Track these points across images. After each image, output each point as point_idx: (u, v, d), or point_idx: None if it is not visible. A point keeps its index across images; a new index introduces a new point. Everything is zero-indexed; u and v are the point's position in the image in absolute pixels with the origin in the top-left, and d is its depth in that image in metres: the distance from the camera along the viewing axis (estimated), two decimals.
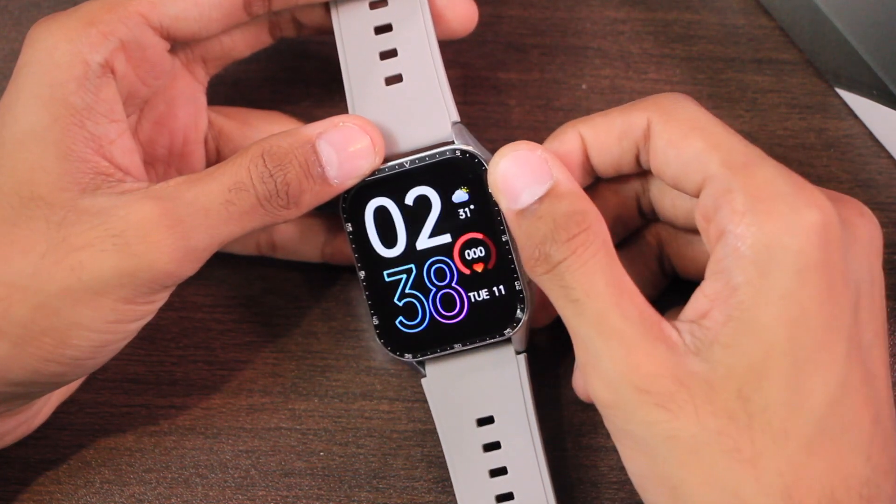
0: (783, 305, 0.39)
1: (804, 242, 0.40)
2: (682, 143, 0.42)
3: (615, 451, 0.50)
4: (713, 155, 0.41)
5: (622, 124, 0.44)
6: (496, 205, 0.46)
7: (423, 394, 0.51)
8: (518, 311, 0.47)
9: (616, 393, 0.41)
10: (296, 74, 0.55)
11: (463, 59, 0.55)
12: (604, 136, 0.45)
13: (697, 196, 0.42)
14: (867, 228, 0.42)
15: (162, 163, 0.50)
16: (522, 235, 0.43)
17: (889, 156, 0.53)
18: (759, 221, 0.40)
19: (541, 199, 0.43)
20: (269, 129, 0.50)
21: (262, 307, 0.53)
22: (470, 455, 0.48)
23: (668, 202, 0.46)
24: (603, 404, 0.42)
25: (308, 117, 0.51)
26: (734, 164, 0.41)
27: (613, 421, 0.42)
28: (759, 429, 0.39)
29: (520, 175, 0.43)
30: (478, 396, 0.48)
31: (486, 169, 0.46)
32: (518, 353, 0.48)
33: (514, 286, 0.46)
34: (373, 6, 0.48)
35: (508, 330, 0.47)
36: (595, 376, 0.42)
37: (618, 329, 0.41)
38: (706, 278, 0.41)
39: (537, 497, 0.48)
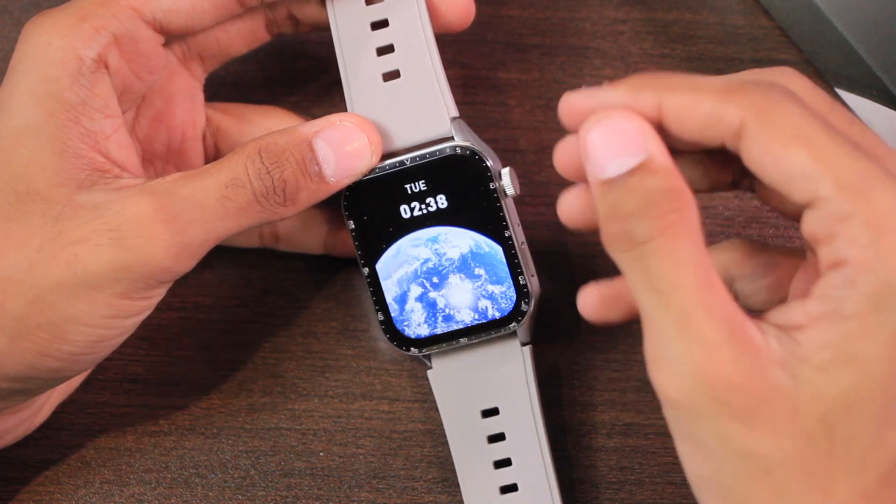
0: (892, 343, 0.37)
1: None
2: (783, 155, 0.38)
3: (615, 451, 0.50)
4: (824, 173, 0.38)
5: (710, 113, 0.39)
6: (499, 200, 0.46)
7: (424, 394, 0.51)
8: (523, 304, 0.47)
9: (688, 396, 0.38)
10: (295, 75, 0.55)
11: (463, 59, 0.55)
12: (686, 117, 0.40)
13: (801, 205, 0.39)
14: None
15: (160, 160, 0.50)
16: (606, 207, 0.39)
17: None
18: (883, 257, 0.37)
19: (631, 172, 0.38)
20: (267, 124, 0.50)
21: (262, 307, 0.53)
22: (474, 446, 0.48)
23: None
24: (669, 401, 0.39)
25: (307, 116, 0.51)
26: (850, 187, 0.37)
27: (678, 421, 0.39)
28: (839, 457, 0.37)
29: (611, 142, 0.39)
30: (483, 388, 0.48)
31: (486, 165, 0.46)
32: (523, 344, 0.48)
33: (519, 280, 0.47)
34: (368, 2, 0.48)
35: (514, 324, 0.47)
36: (667, 371, 0.38)
37: (701, 330, 0.38)
38: (811, 297, 0.38)
39: (541, 488, 0.48)
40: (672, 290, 0.38)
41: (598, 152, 0.39)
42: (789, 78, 0.41)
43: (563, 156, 0.42)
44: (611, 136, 0.39)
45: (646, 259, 0.38)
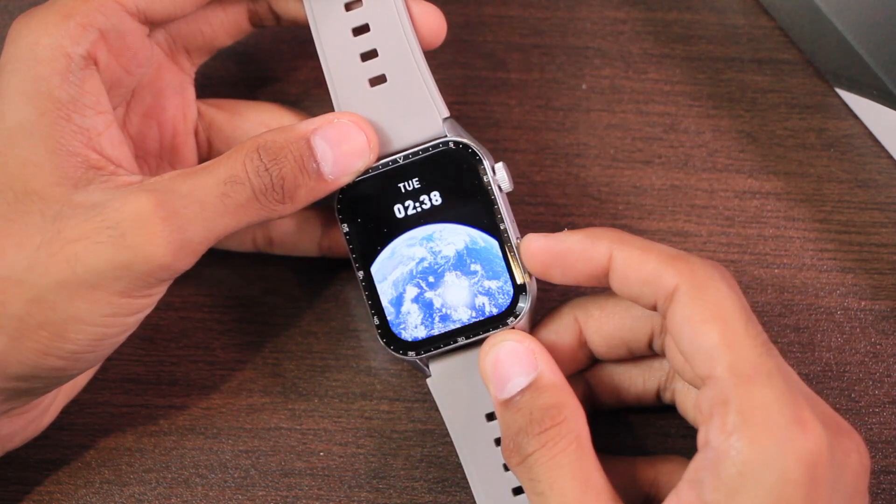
0: None
1: (780, 479, 0.39)
2: (699, 329, 0.41)
3: (613, 452, 0.50)
4: (724, 355, 0.41)
5: (652, 271, 0.43)
6: (492, 193, 0.46)
7: (423, 394, 0.51)
8: (520, 300, 0.47)
9: None
10: (294, 75, 0.55)
11: (463, 59, 0.55)
12: (632, 270, 0.43)
13: (700, 379, 0.41)
14: (858, 461, 0.41)
15: (154, 156, 0.50)
16: (503, 425, 0.44)
17: (889, 156, 0.53)
18: (743, 447, 0.39)
19: (523, 391, 0.44)
20: (260, 119, 0.50)
21: (262, 307, 0.53)
22: (483, 450, 0.48)
23: (690, 406, 0.46)
24: None
25: (301, 112, 0.51)
26: (740, 374, 0.40)
27: None
28: None
29: (508, 366, 0.45)
30: (485, 391, 0.48)
31: (479, 159, 0.46)
32: None
33: (515, 275, 0.47)
34: (348, 7, 0.48)
35: (512, 319, 0.47)
36: None
37: None
38: (682, 482, 0.41)
39: None
40: (549, 492, 0.42)
41: (497, 375, 0.45)
42: (721, 271, 0.43)
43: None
44: (507, 359, 0.45)
45: (530, 468, 0.43)
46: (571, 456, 0.42)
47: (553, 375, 0.44)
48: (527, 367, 0.44)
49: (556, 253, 0.45)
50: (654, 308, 0.43)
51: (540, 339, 0.47)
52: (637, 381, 0.48)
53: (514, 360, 0.45)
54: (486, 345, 0.45)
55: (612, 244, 0.44)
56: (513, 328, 0.47)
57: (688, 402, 0.47)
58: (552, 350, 0.47)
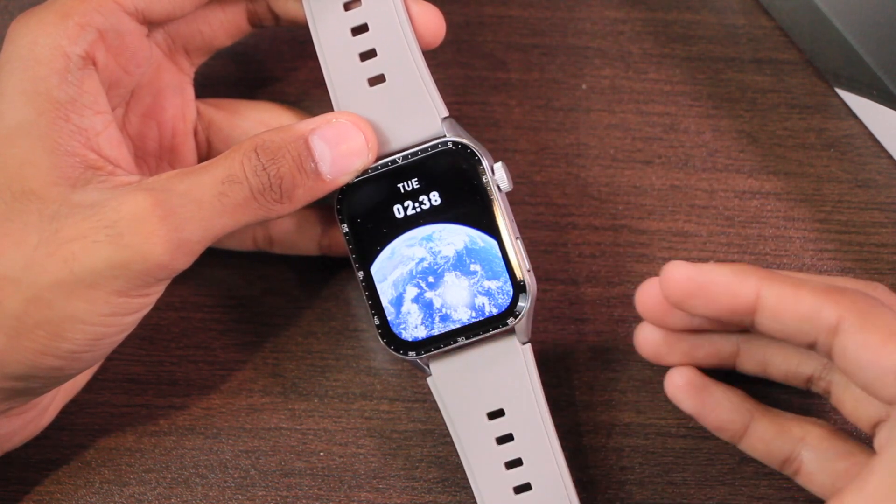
0: None
1: None
2: (880, 352, 0.40)
3: (615, 451, 0.51)
4: None
5: (810, 307, 0.42)
6: (491, 193, 0.46)
7: (423, 394, 0.51)
8: (520, 300, 0.47)
9: None
10: (293, 75, 0.55)
11: (463, 59, 0.55)
12: (785, 308, 0.42)
13: (892, 400, 0.40)
14: None
15: (153, 157, 0.50)
16: None
17: (889, 156, 0.53)
18: None
19: None
20: (260, 118, 0.50)
21: (262, 307, 0.53)
22: (484, 449, 0.48)
23: (849, 399, 0.45)
24: None
25: (300, 111, 0.51)
26: None
27: None
28: None
29: None
30: (486, 390, 0.48)
31: (478, 159, 0.46)
32: (523, 343, 0.48)
33: (515, 274, 0.47)
34: (347, 7, 0.48)
35: (511, 319, 0.47)
36: None
37: None
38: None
39: (555, 485, 0.47)
40: None
41: None
42: (881, 292, 0.43)
43: (646, 298, 0.45)
44: None
45: None
46: None
47: None
48: None
49: (700, 284, 0.43)
50: (812, 345, 0.42)
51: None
52: (791, 360, 0.47)
53: None
54: None
55: (761, 281, 0.42)
56: (512, 329, 0.47)
57: (846, 397, 0.45)
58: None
